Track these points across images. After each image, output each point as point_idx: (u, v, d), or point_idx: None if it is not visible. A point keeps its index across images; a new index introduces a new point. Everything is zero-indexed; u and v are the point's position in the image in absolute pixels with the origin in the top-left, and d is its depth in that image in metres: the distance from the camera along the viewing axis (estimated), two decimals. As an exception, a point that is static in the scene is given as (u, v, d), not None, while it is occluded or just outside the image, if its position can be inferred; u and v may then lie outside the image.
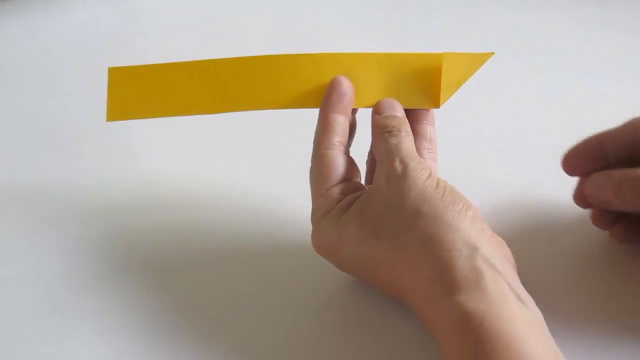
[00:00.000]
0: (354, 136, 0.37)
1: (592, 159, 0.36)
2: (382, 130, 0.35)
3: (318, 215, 0.35)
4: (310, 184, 0.36)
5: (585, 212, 0.37)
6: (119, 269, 0.39)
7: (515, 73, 0.53)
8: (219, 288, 0.37)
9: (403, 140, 0.34)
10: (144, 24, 0.60)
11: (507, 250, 0.32)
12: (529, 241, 0.38)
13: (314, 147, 0.36)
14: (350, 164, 0.36)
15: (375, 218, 0.32)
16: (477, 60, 0.36)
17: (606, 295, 0.34)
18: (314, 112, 0.37)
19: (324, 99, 0.36)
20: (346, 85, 0.36)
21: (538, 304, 0.29)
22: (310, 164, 0.36)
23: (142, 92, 0.37)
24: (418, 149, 0.36)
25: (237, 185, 0.44)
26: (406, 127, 0.35)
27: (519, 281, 0.30)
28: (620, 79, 0.52)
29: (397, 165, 0.33)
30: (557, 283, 0.36)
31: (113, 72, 0.36)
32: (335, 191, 0.34)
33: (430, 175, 0.32)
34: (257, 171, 0.45)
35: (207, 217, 0.42)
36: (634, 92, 0.50)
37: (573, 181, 0.37)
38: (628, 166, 0.34)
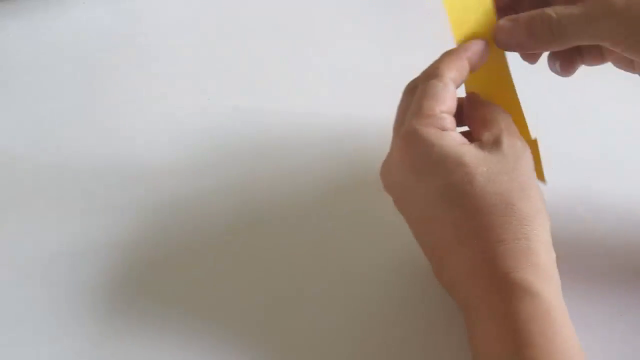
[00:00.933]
0: None
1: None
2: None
3: (428, 126, 0.31)
4: (423, 97, 0.32)
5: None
6: (119, 268, 0.39)
7: (515, 73, 0.52)
8: (220, 286, 0.38)
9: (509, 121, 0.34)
10: (144, 24, 0.60)
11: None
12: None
13: (430, 74, 0.33)
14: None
15: (485, 166, 0.30)
16: None
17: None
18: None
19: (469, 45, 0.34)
20: (480, 44, 0.34)
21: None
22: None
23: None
24: None
25: (244, 182, 0.44)
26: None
27: None
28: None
29: (517, 142, 0.32)
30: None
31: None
32: (451, 119, 0.32)
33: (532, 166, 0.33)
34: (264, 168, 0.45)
35: (208, 215, 0.42)
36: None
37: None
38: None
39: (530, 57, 0.38)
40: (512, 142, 0.32)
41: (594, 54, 0.37)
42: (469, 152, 0.31)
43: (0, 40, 0.58)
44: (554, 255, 0.31)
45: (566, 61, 0.37)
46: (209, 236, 0.41)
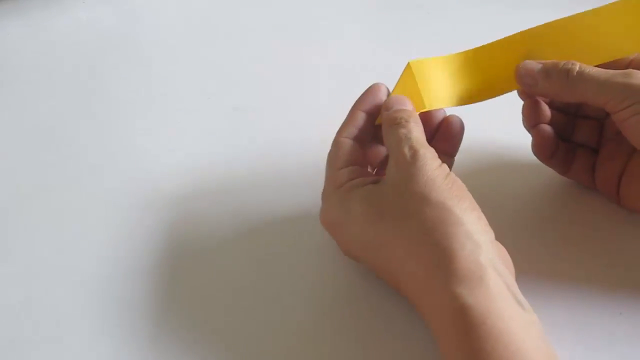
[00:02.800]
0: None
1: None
2: (391, 123, 0.35)
3: (329, 191, 0.35)
4: (326, 166, 0.37)
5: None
6: (119, 268, 0.39)
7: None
8: (222, 284, 0.38)
9: (412, 129, 0.34)
10: (144, 24, 0.60)
11: (506, 257, 0.32)
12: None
13: (335, 136, 0.37)
14: (363, 155, 0.37)
15: (382, 200, 0.33)
16: None
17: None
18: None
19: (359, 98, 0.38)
20: (378, 89, 0.37)
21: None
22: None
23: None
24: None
25: (244, 182, 0.44)
26: (415, 118, 0.35)
27: (516, 286, 0.30)
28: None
29: (407, 151, 0.33)
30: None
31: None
32: (345, 171, 0.35)
33: (441, 165, 0.33)
34: (265, 167, 0.45)
35: (207, 215, 0.42)
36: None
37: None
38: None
39: (544, 146, 0.39)
40: (401, 164, 0.33)
41: (585, 165, 0.39)
42: (367, 194, 0.33)
43: (0, 40, 0.58)
44: (482, 251, 0.29)
45: (560, 159, 0.40)
46: (209, 236, 0.41)
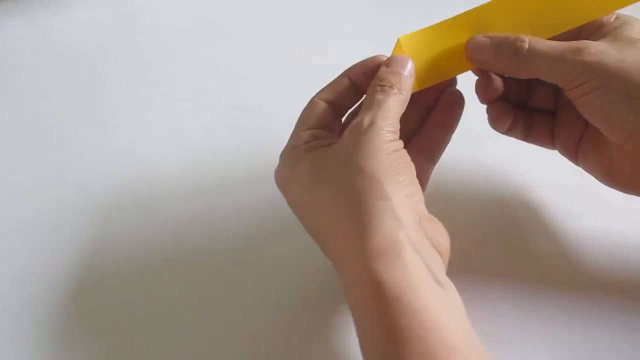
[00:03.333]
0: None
1: None
2: (376, 82, 0.34)
3: (285, 150, 0.35)
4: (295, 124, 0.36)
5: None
6: (119, 268, 0.39)
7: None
8: (222, 284, 0.38)
9: (389, 98, 0.33)
10: (144, 24, 0.60)
11: (442, 234, 0.32)
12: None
13: (313, 96, 0.36)
14: (333, 118, 0.35)
15: (326, 163, 0.32)
16: None
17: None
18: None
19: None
20: (373, 60, 0.36)
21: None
22: None
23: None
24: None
25: (244, 182, 0.44)
26: (403, 86, 0.34)
27: (442, 265, 0.30)
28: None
29: (366, 120, 0.32)
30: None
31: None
32: (307, 133, 0.34)
33: (394, 141, 0.31)
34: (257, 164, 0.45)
35: (207, 215, 0.42)
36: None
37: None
38: None
39: (501, 115, 0.38)
40: (356, 126, 0.32)
41: (544, 131, 0.38)
42: (313, 156, 0.32)
43: (0, 40, 0.58)
44: (403, 228, 0.29)
45: (520, 124, 0.38)
46: (208, 235, 0.41)
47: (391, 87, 0.33)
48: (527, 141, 0.39)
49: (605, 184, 0.36)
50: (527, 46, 0.33)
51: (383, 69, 0.34)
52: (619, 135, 0.32)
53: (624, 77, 0.31)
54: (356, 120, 0.32)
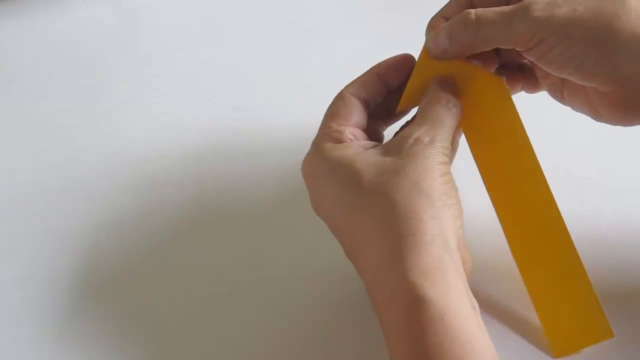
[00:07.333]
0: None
1: None
2: (440, 95, 0.33)
3: (322, 140, 0.33)
4: (325, 116, 0.35)
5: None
6: (121, 269, 0.39)
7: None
8: (222, 284, 0.38)
9: (451, 118, 0.33)
10: (144, 24, 0.60)
11: (468, 259, 0.32)
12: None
13: (342, 90, 0.35)
14: (365, 119, 0.35)
15: (368, 169, 0.31)
16: None
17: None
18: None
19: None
20: (403, 60, 0.35)
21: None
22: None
23: None
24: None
25: (244, 182, 0.44)
26: (459, 107, 0.34)
27: (469, 290, 0.30)
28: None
29: (427, 139, 0.31)
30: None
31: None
32: (346, 129, 0.33)
33: (446, 163, 0.32)
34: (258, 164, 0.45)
35: (207, 214, 0.42)
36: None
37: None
38: None
39: (531, 85, 0.38)
40: (416, 141, 0.31)
41: (529, 76, 0.38)
42: (361, 159, 0.31)
43: (0, 40, 0.58)
44: (449, 250, 0.29)
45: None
46: (208, 235, 0.41)
47: (455, 106, 0.33)
48: (516, 92, 0.38)
49: (595, 120, 0.35)
50: (474, 17, 0.32)
51: (438, 87, 0.34)
52: (593, 82, 0.32)
53: (584, 24, 0.30)
54: (415, 134, 0.32)
